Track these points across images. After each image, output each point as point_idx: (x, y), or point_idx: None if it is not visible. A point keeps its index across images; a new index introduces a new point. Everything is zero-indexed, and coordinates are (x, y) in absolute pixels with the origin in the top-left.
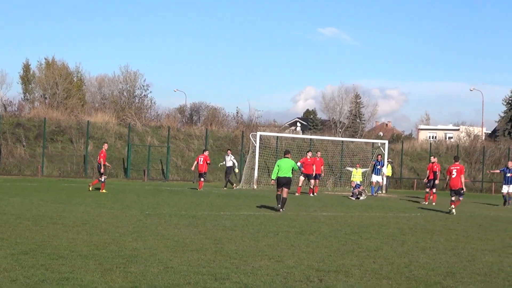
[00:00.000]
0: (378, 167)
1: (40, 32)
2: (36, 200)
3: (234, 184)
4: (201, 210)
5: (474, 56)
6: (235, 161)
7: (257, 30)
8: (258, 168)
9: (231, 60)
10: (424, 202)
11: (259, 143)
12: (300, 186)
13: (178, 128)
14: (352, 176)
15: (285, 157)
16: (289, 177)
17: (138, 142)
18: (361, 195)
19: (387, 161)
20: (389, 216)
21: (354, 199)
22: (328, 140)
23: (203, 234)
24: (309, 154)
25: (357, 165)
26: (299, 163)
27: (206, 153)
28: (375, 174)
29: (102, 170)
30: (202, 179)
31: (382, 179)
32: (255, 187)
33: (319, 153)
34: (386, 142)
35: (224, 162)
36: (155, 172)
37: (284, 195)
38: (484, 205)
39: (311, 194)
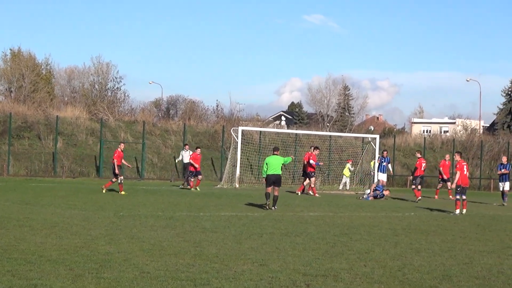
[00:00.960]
0: (384, 163)
1: (5, 21)
2: (2, 201)
3: (190, 186)
4: (179, 211)
5: (471, 44)
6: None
7: (238, 18)
8: (240, 166)
9: (210, 50)
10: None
11: (241, 138)
12: (314, 187)
13: (154, 123)
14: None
15: (274, 154)
16: (278, 175)
17: (111, 138)
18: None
19: (378, 157)
20: (380, 215)
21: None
22: (315, 135)
23: (181, 237)
24: (317, 151)
25: (348, 161)
26: (312, 161)
27: (198, 151)
28: (381, 172)
29: (117, 171)
30: (199, 177)
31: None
32: (237, 186)
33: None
34: (377, 136)
35: (181, 158)
36: (130, 170)
37: (276, 193)
38: (482, 204)
39: (311, 193)
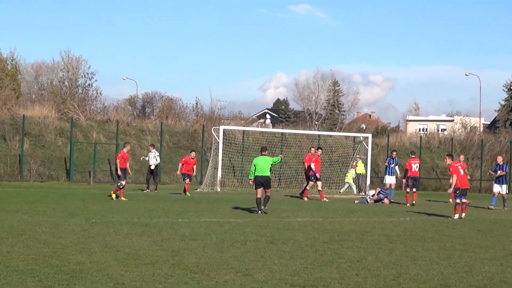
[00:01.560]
0: (392, 165)
1: None
2: None
3: (148, 189)
4: (156, 217)
5: (470, 35)
6: (158, 158)
7: (218, 8)
8: (222, 168)
9: (188, 43)
10: (451, 200)
11: (223, 138)
12: (308, 190)
13: (128, 122)
14: (346, 176)
15: (262, 155)
16: (267, 176)
17: (82, 139)
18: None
19: (357, 157)
20: (373, 221)
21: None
22: (303, 134)
23: (158, 245)
24: (320, 152)
25: (353, 165)
26: (313, 165)
27: (192, 154)
28: (388, 174)
29: (119, 173)
30: (186, 181)
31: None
32: (219, 189)
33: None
34: (370, 136)
35: (147, 158)
36: (103, 173)
37: (268, 193)
38: (482, 208)
39: (305, 198)
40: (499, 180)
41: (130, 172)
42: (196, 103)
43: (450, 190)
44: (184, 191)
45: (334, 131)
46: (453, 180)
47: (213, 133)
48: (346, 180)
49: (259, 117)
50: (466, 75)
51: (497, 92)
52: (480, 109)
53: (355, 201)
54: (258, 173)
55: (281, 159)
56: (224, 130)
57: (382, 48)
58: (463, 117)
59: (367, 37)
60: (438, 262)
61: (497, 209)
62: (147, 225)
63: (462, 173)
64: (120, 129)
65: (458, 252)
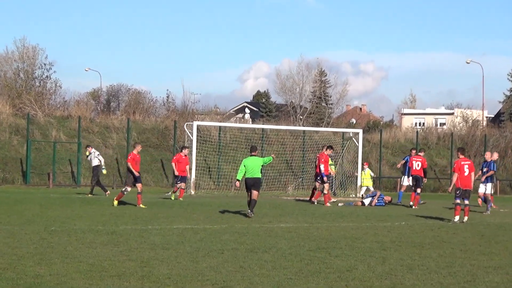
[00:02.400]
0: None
1: None
2: None
3: (107, 192)
4: (123, 224)
5: (471, 19)
6: (101, 158)
7: None
8: (196, 169)
9: (158, 30)
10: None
11: (197, 135)
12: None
13: (91, 119)
14: (361, 180)
15: (251, 155)
16: (257, 178)
17: (40, 137)
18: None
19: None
20: (365, 226)
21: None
22: (286, 130)
23: (125, 255)
24: (330, 151)
25: (365, 164)
26: (323, 168)
27: (185, 151)
28: (406, 176)
29: (136, 174)
30: (181, 185)
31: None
32: (193, 192)
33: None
34: (360, 131)
35: (89, 158)
36: (63, 175)
37: (254, 197)
38: (481, 212)
39: (315, 201)
40: (486, 179)
41: (136, 173)
42: (167, 97)
43: (450, 189)
44: (175, 192)
45: (321, 126)
46: (454, 178)
47: (185, 129)
48: (364, 185)
49: (237, 111)
50: (467, 62)
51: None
52: (483, 101)
53: (339, 204)
54: (249, 175)
55: (272, 159)
56: (198, 126)
57: (374, 33)
58: (464, 109)
59: (356, 21)
60: (437, 271)
61: (498, 210)
62: (113, 233)
63: (467, 173)
64: (82, 126)
65: (459, 260)
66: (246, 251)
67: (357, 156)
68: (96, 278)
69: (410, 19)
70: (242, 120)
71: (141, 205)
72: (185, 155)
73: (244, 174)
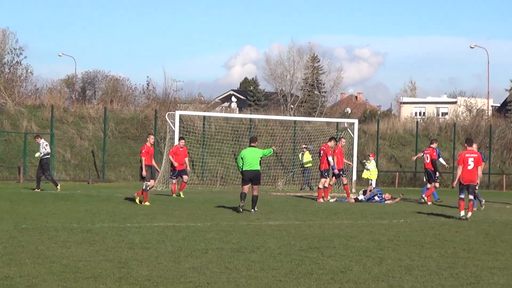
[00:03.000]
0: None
1: None
2: None
3: (59, 185)
4: (100, 222)
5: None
6: (48, 149)
7: None
8: None
9: (137, 12)
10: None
11: (179, 126)
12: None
13: (65, 108)
14: (363, 172)
15: (250, 146)
16: (256, 171)
17: (10, 128)
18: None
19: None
20: (361, 223)
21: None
22: (276, 120)
23: (102, 255)
24: (332, 143)
25: (371, 155)
26: (330, 158)
27: (181, 143)
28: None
29: (144, 173)
30: (184, 178)
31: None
32: None
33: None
34: (356, 121)
35: (40, 153)
36: (34, 169)
37: (255, 192)
38: (492, 205)
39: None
40: None
41: (158, 168)
42: (147, 84)
43: (454, 183)
44: (176, 189)
45: (313, 116)
46: (458, 172)
47: (167, 119)
48: (367, 176)
49: (223, 100)
50: (472, 47)
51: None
52: (488, 89)
53: (330, 200)
54: (246, 167)
55: (273, 151)
56: (180, 116)
57: (370, 16)
58: (468, 98)
59: (351, 2)
60: (437, 273)
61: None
62: (88, 231)
63: (471, 166)
64: (55, 116)
65: (462, 260)
66: (232, 251)
67: (353, 149)
68: (70, 280)
69: (409, 1)
70: (229, 109)
71: (147, 203)
72: (182, 147)
73: (242, 166)
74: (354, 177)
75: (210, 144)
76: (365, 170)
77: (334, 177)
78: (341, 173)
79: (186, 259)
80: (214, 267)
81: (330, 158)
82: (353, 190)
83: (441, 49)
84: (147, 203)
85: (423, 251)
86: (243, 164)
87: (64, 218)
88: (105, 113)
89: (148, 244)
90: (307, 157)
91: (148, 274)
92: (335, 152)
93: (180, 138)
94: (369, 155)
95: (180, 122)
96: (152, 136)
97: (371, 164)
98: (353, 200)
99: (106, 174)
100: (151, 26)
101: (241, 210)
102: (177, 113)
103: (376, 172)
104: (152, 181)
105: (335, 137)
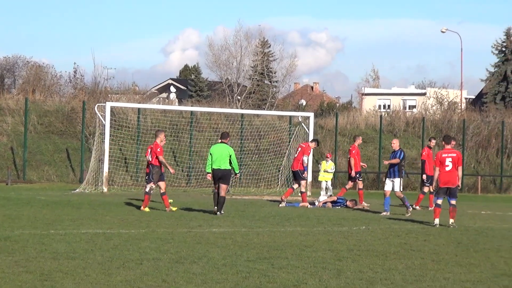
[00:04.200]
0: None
1: None
2: None
3: None
4: (20, 228)
5: None
6: None
7: None
8: (110, 160)
9: None
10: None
11: (111, 119)
12: (304, 192)
13: None
14: (319, 173)
15: (221, 142)
16: (225, 169)
17: None
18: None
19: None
20: (317, 231)
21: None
22: (220, 113)
23: (22, 266)
24: (314, 144)
25: (328, 155)
26: (306, 158)
27: (161, 136)
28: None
29: (156, 177)
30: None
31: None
32: (105, 190)
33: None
34: (311, 115)
35: None
36: None
37: (222, 193)
38: (465, 211)
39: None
40: (391, 173)
41: (172, 169)
42: (74, 72)
43: (433, 187)
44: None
45: (263, 109)
46: (435, 174)
47: (96, 112)
48: (321, 178)
49: (161, 90)
50: (443, 32)
51: (484, 55)
52: (461, 79)
53: (280, 205)
54: (215, 166)
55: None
56: (112, 108)
57: None
58: (439, 89)
59: None
60: (403, 286)
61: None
62: (6, 239)
63: (449, 167)
64: None
65: (431, 272)
66: (170, 262)
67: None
68: None
69: None
70: (167, 100)
71: (171, 208)
72: (161, 141)
73: (212, 164)
74: (309, 178)
75: (145, 139)
76: (323, 172)
77: (350, 181)
78: (357, 176)
79: (118, 271)
80: (150, 280)
81: (305, 158)
82: (309, 193)
83: (408, 34)
84: (146, 209)
85: (387, 262)
86: (212, 161)
87: None
88: (26, 105)
89: (74, 253)
90: (330, 167)
91: None
92: (351, 152)
93: (158, 130)
94: (326, 155)
95: (111, 115)
96: (163, 133)
97: (332, 166)
98: (308, 205)
99: (27, 174)
100: (79, 6)
101: (216, 213)
102: (108, 104)
103: (331, 172)
104: (151, 183)
105: (317, 139)
